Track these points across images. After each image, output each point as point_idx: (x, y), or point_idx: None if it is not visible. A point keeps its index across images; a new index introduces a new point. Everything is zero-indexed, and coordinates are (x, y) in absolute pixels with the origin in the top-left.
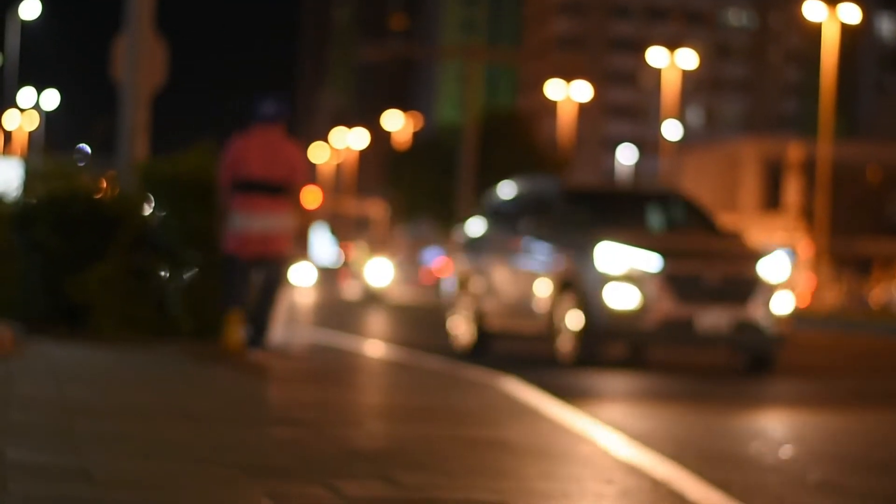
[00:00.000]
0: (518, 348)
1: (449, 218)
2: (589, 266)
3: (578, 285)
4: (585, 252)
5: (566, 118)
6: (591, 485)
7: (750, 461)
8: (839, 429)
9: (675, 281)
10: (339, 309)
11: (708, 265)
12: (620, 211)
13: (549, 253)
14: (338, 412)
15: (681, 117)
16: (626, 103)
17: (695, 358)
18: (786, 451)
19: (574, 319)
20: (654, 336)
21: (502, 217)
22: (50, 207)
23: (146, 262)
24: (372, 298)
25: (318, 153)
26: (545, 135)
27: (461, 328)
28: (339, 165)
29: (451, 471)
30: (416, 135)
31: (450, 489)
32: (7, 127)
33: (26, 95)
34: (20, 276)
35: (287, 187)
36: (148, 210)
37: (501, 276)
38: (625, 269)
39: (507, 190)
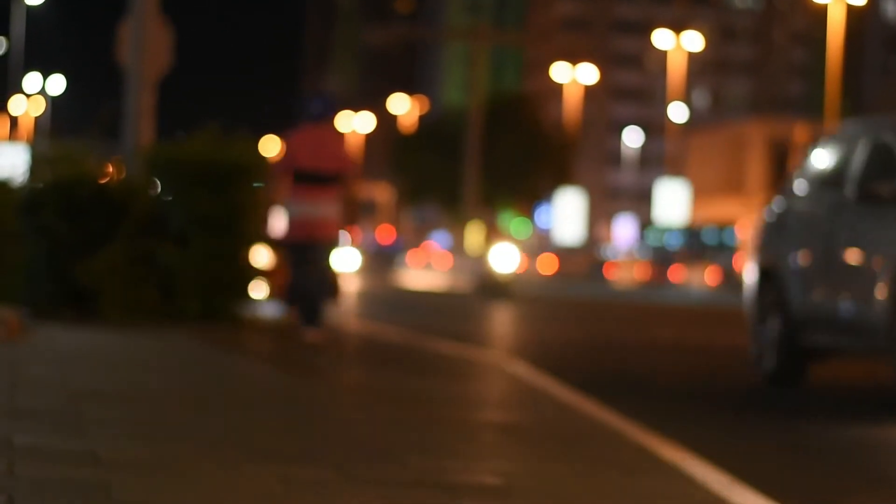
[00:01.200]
0: (847, 373)
1: (455, 202)
2: None
3: None
4: None
5: (572, 101)
6: (599, 467)
7: None
8: None
9: None
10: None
11: None
12: None
13: (883, 235)
14: (346, 395)
15: (686, 99)
16: (632, 86)
17: None
18: None
19: None
20: None
21: (824, 184)
22: (56, 192)
23: (153, 247)
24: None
25: None
26: (551, 117)
27: (765, 342)
28: None
29: (460, 454)
30: (421, 118)
31: (458, 472)
32: (13, 112)
33: (32, 81)
34: (27, 261)
35: (335, 177)
36: (154, 194)
37: (818, 269)
38: None
39: (832, 144)
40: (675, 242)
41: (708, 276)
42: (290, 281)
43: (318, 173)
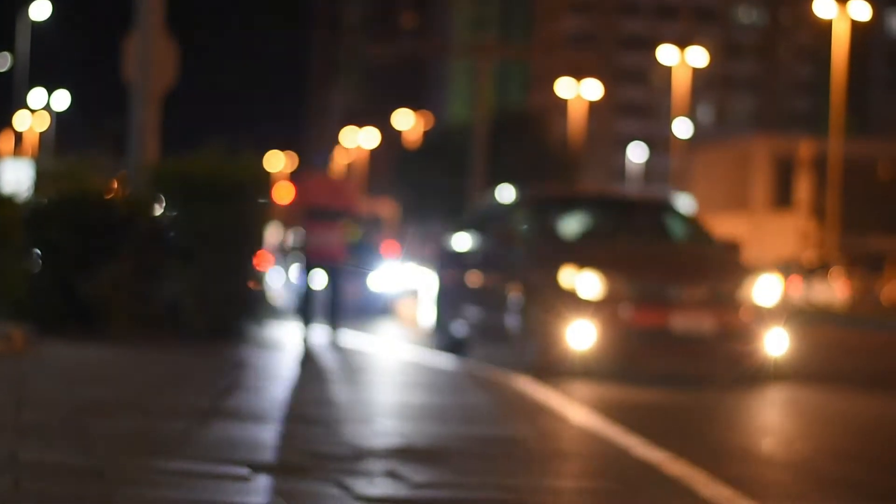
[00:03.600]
0: None
1: (459, 217)
2: None
3: None
4: None
5: (577, 116)
6: (603, 483)
7: (761, 457)
8: None
9: None
10: None
11: None
12: None
13: None
14: (350, 410)
15: (691, 115)
16: (637, 101)
17: None
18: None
19: None
20: None
21: None
22: (61, 208)
23: (157, 262)
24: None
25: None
26: (556, 133)
27: None
28: (349, 165)
29: (463, 469)
30: (426, 133)
31: (461, 487)
32: (18, 128)
33: (37, 96)
34: (32, 276)
35: (343, 213)
36: (159, 210)
37: None
38: None
39: None
40: None
41: None
42: (303, 299)
43: (329, 209)
